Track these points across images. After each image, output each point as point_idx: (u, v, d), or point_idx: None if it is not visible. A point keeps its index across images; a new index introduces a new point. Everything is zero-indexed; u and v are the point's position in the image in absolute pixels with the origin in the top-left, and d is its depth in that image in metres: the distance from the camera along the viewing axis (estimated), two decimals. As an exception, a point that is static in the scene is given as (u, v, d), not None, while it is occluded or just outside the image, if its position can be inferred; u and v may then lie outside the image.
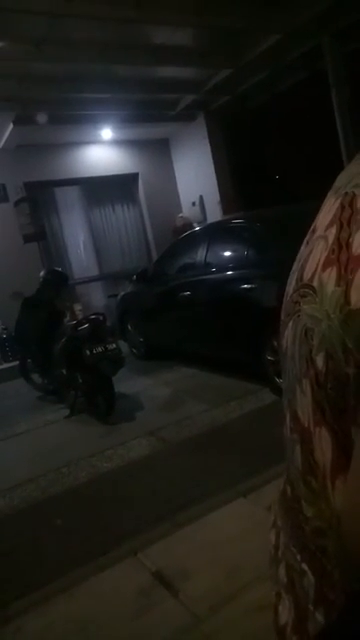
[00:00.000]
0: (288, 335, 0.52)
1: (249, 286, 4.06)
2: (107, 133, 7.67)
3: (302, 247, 0.55)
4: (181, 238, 5.80)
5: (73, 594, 2.05)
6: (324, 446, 0.46)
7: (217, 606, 1.80)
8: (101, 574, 2.15)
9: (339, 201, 0.47)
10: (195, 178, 8.38)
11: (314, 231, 0.52)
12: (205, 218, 8.26)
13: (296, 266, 0.54)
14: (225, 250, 4.75)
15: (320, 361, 0.44)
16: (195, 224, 7.99)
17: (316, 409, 0.46)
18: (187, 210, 8.70)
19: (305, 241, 0.54)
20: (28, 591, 2.12)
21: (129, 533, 2.41)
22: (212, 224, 5.87)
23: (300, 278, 0.50)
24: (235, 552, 2.07)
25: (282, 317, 0.55)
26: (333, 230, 0.46)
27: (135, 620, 1.84)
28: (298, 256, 0.55)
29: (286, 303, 0.54)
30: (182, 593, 1.91)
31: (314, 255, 0.48)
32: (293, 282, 0.53)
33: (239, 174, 8.11)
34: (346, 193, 0.47)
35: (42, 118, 6.55)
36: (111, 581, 2.10)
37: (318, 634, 0.49)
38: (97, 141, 7.93)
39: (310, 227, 0.54)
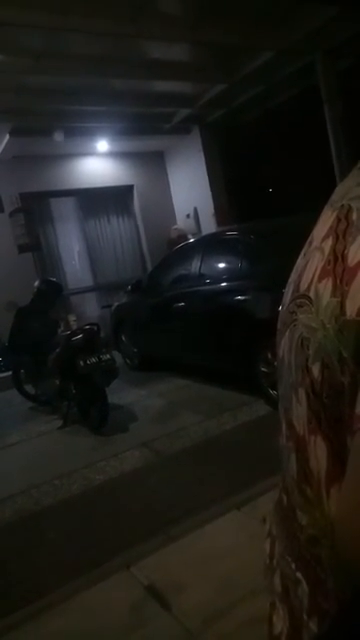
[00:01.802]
0: (284, 344, 0.52)
1: (243, 298, 4.07)
2: (103, 145, 7.74)
3: (299, 258, 0.56)
4: (175, 250, 5.83)
5: (65, 608, 2.02)
6: (319, 455, 0.46)
7: (210, 620, 1.78)
8: (93, 588, 2.12)
9: (335, 214, 0.48)
10: (190, 190, 8.45)
11: (311, 243, 0.53)
12: (199, 230, 8.31)
13: (293, 277, 0.55)
14: (219, 262, 4.78)
15: (316, 370, 0.45)
16: (189, 236, 8.03)
17: (312, 418, 0.46)
18: (182, 222, 8.75)
19: (302, 252, 0.55)
20: (19, 606, 2.08)
21: (122, 546, 2.38)
22: (206, 236, 5.90)
23: (297, 288, 0.51)
24: (229, 565, 2.05)
25: (279, 326, 0.56)
26: (329, 242, 0.47)
27: (128, 635, 1.81)
28: (295, 266, 0.56)
29: (283, 313, 0.55)
30: (175, 607, 1.89)
31: (310, 266, 0.49)
32: (290, 292, 0.53)
33: (233, 187, 8.19)
34: (342, 206, 0.48)
35: (41, 131, 6.61)
36: (103, 595, 2.07)
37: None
38: (93, 153, 7.99)
39: (306, 239, 0.55)
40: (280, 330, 0.55)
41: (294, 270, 0.55)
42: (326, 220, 0.50)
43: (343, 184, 0.53)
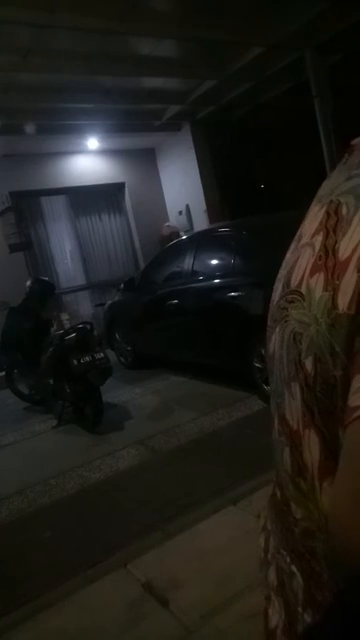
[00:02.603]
0: (276, 340, 0.53)
1: (236, 294, 4.08)
2: (93, 143, 7.71)
3: (288, 254, 0.56)
4: (168, 247, 5.82)
5: (62, 607, 2.02)
6: (312, 448, 0.46)
7: (208, 616, 1.78)
8: (90, 586, 2.12)
9: (324, 209, 0.48)
10: (181, 187, 8.44)
11: (300, 238, 0.53)
12: (192, 227, 8.31)
13: (282, 273, 0.55)
14: (212, 258, 4.78)
15: (309, 364, 0.45)
16: (182, 233, 8.03)
17: (305, 411, 0.47)
18: (174, 219, 8.74)
19: (291, 248, 0.55)
20: (16, 606, 2.08)
21: (118, 544, 2.38)
22: (199, 233, 5.90)
23: (287, 284, 0.51)
24: (225, 561, 2.06)
25: (269, 322, 0.56)
26: (319, 237, 0.47)
27: (125, 633, 1.82)
28: (284, 263, 0.56)
29: (273, 309, 0.55)
30: (172, 604, 1.89)
31: (301, 262, 0.49)
32: (280, 288, 0.53)
33: (225, 183, 8.19)
34: (331, 201, 0.48)
35: (30, 129, 6.56)
36: (100, 593, 2.07)
37: (304, 633, 0.49)
38: (83, 151, 7.95)
39: (295, 235, 0.55)
40: (270, 326, 0.55)
41: (283, 266, 0.55)
42: (315, 216, 0.50)
43: (330, 180, 0.53)
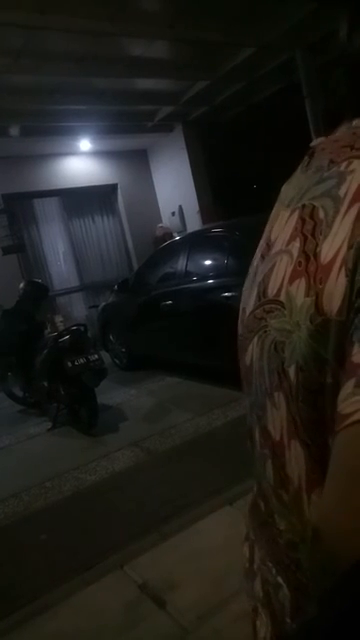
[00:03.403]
0: (254, 351, 0.51)
1: (229, 294, 4.08)
2: (85, 144, 7.69)
3: (256, 262, 0.54)
4: (161, 248, 5.82)
5: (59, 610, 2.02)
6: (297, 459, 0.45)
7: (205, 616, 1.78)
8: (87, 589, 2.12)
9: (296, 214, 0.47)
10: (174, 188, 8.44)
11: (269, 246, 0.51)
12: (185, 228, 8.30)
13: (251, 282, 0.53)
14: (205, 259, 4.79)
15: (292, 373, 0.44)
16: (175, 234, 8.03)
17: (290, 422, 0.46)
18: (167, 220, 8.74)
19: (260, 256, 0.54)
20: (12, 609, 2.07)
21: (115, 546, 2.38)
22: (192, 233, 5.91)
23: (263, 294, 0.50)
24: (222, 561, 2.06)
25: (242, 332, 0.55)
26: (296, 244, 0.46)
27: (122, 634, 1.81)
28: (251, 271, 0.55)
29: (247, 320, 0.53)
30: (169, 605, 1.89)
31: (277, 270, 0.48)
32: (254, 298, 0.52)
33: (217, 184, 8.19)
34: (304, 206, 0.47)
35: (22, 131, 6.55)
36: (97, 596, 2.07)
37: (295, 630, 0.49)
38: (76, 152, 7.93)
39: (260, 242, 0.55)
40: (244, 336, 0.54)
41: (251, 275, 0.54)
42: (286, 221, 0.49)
43: (291, 183, 0.52)
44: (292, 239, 0.47)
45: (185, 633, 1.74)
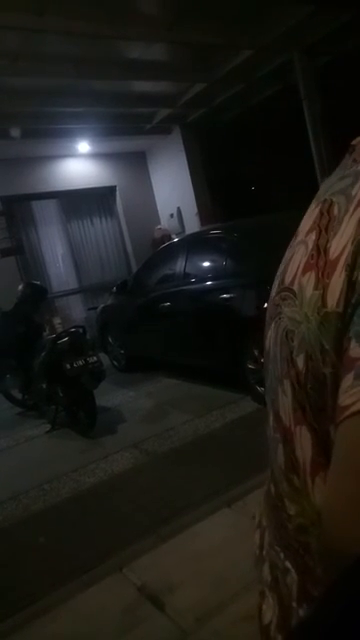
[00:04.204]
0: (271, 337, 0.53)
1: (228, 296, 4.09)
2: (84, 146, 7.70)
3: (286, 252, 0.56)
4: (160, 250, 5.83)
5: (58, 613, 2.01)
6: (304, 444, 0.47)
7: (204, 618, 1.78)
8: (86, 592, 2.11)
9: (318, 208, 0.49)
10: (172, 190, 8.45)
11: (296, 236, 0.53)
12: (183, 229, 8.31)
13: (280, 270, 0.55)
14: (204, 261, 4.79)
15: (300, 362, 0.46)
16: (173, 235, 8.04)
17: (297, 408, 0.47)
18: (165, 222, 8.75)
19: (289, 246, 0.56)
20: (10, 613, 2.06)
21: (114, 548, 2.37)
22: (190, 235, 5.92)
23: (282, 282, 0.52)
24: (221, 563, 2.06)
25: (266, 319, 0.57)
26: (313, 236, 0.48)
27: (121, 637, 1.81)
28: (283, 260, 0.57)
29: (269, 306, 0.55)
30: (168, 607, 1.89)
31: (295, 260, 0.50)
32: (276, 285, 0.54)
33: (216, 186, 8.21)
34: (325, 200, 0.49)
35: (20, 133, 6.56)
36: (96, 598, 2.06)
37: (296, 626, 0.49)
38: (74, 154, 7.94)
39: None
40: (267, 323, 0.56)
41: (281, 263, 0.56)
42: (310, 214, 0.51)
43: (328, 180, 0.54)
44: (310, 231, 0.49)
45: (184, 635, 1.74)
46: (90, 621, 1.94)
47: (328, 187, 0.51)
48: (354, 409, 0.36)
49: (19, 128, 6.60)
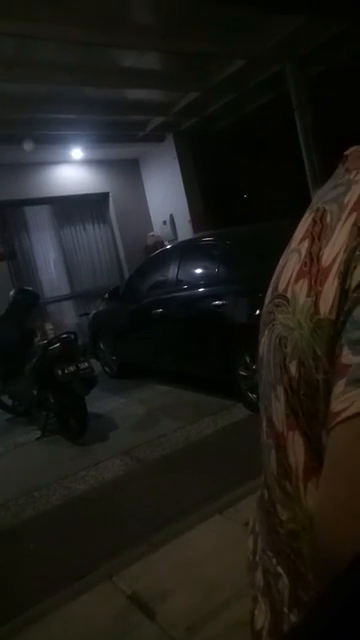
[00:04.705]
0: (264, 343, 0.54)
1: (220, 302, 4.10)
2: (77, 153, 7.72)
3: (280, 259, 0.57)
4: (152, 256, 5.84)
5: (48, 622, 1.99)
6: (297, 450, 0.47)
7: (195, 626, 1.77)
8: (75, 600, 2.09)
9: (312, 216, 0.50)
10: (165, 197, 8.49)
11: (290, 244, 0.54)
12: (176, 236, 8.34)
13: (274, 277, 0.56)
14: (196, 268, 4.81)
15: (293, 368, 0.46)
16: (166, 242, 8.06)
17: (290, 414, 0.47)
18: (158, 229, 8.78)
19: (284, 253, 0.57)
20: (0, 621, 2.04)
21: (104, 556, 2.35)
22: (183, 242, 5.93)
23: (275, 289, 0.52)
24: (212, 570, 2.05)
25: (260, 326, 0.57)
26: (306, 244, 0.48)
27: (111, 646, 1.79)
28: (277, 267, 0.57)
29: (263, 312, 0.56)
30: (159, 615, 1.87)
31: (288, 267, 0.50)
32: (270, 292, 0.55)
33: (208, 193, 8.26)
34: (318, 209, 0.50)
35: (14, 139, 6.56)
36: (86, 607, 2.04)
37: (287, 633, 0.49)
38: (67, 161, 7.96)
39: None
40: (261, 330, 0.57)
41: (276, 271, 0.57)
42: (304, 222, 0.52)
43: (322, 188, 0.55)
44: (304, 239, 0.49)
45: (175, 644, 1.73)
46: (80, 630, 1.92)
47: (321, 196, 0.52)
48: (345, 415, 0.36)
49: (12, 134, 6.60)
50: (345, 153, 0.54)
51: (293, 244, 0.52)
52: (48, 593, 2.16)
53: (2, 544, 2.76)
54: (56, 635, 1.92)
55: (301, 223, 0.53)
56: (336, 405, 0.38)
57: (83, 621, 1.96)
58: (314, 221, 0.49)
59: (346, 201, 0.46)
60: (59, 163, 7.96)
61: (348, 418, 0.36)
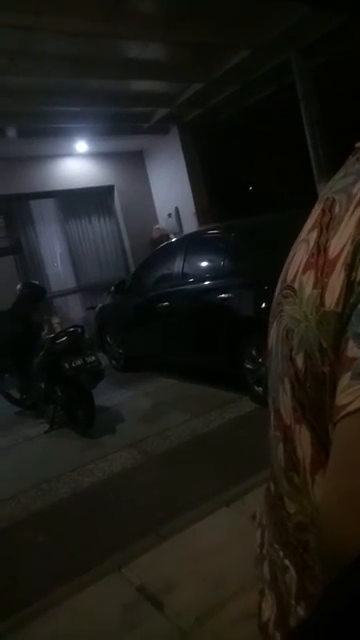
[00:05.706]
0: (273, 335, 0.53)
1: (226, 295, 4.09)
2: (82, 146, 7.70)
3: (291, 250, 0.56)
4: (158, 249, 5.83)
5: (56, 613, 2.01)
6: (304, 443, 0.47)
7: (203, 618, 1.78)
8: (84, 591, 2.11)
9: (321, 206, 0.49)
10: (170, 190, 8.45)
11: (300, 235, 0.54)
12: (181, 229, 8.32)
13: (284, 268, 0.56)
14: (202, 260, 4.79)
15: (300, 360, 0.46)
16: (172, 235, 8.04)
17: (297, 406, 0.47)
18: (163, 221, 8.75)
19: (294, 243, 0.56)
20: (9, 613, 2.06)
21: (113, 548, 2.37)
22: (188, 235, 5.92)
23: (284, 280, 0.52)
24: (220, 562, 2.06)
25: (270, 318, 0.57)
26: (314, 234, 0.48)
27: (121, 637, 1.81)
28: (287, 258, 0.57)
29: (273, 304, 0.56)
30: (167, 607, 1.89)
31: (297, 258, 0.50)
32: (279, 283, 0.54)
33: (213, 185, 8.21)
34: (327, 198, 0.49)
35: (18, 132, 6.56)
36: (95, 598, 2.06)
37: (296, 627, 0.50)
38: (72, 154, 7.94)
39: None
40: (270, 321, 0.56)
41: (286, 262, 0.56)
42: (314, 213, 0.51)
43: (333, 178, 0.54)
44: (312, 229, 0.49)
45: (183, 635, 1.74)
46: (89, 621, 1.94)
47: (331, 185, 0.51)
48: (350, 409, 0.36)
49: (17, 127, 6.59)
50: (357, 145, 0.53)
51: (303, 234, 0.52)
52: (57, 585, 2.18)
53: (11, 536, 2.79)
54: (65, 626, 1.94)
55: (312, 213, 0.53)
56: (341, 399, 0.38)
57: (92, 612, 1.98)
58: (323, 211, 0.48)
59: (355, 191, 0.45)
60: (64, 156, 7.94)
61: (353, 412, 0.36)
